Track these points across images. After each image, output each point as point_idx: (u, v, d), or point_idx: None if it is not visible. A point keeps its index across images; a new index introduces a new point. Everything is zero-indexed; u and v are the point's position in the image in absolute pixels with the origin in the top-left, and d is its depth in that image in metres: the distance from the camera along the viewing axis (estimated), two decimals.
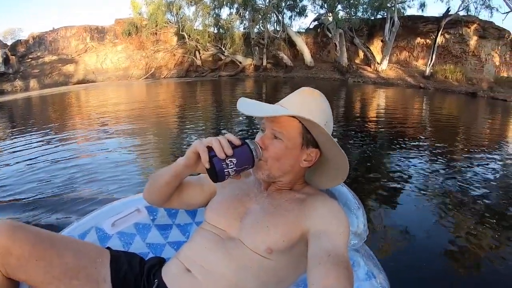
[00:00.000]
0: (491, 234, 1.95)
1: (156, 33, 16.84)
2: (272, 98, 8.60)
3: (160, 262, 0.84)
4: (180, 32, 16.22)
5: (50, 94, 12.26)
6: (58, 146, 3.92)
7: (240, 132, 4.62)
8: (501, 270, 1.62)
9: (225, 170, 0.66)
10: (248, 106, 0.76)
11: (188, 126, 5.24)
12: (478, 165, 3.30)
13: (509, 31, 13.43)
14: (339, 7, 14.55)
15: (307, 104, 0.75)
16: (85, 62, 17.60)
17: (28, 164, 3.18)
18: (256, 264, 0.71)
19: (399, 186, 2.67)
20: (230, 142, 0.68)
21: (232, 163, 0.66)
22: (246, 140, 0.70)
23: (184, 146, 3.83)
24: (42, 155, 3.47)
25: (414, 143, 4.12)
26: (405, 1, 14.40)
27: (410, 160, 3.38)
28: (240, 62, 16.34)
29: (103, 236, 0.95)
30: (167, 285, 0.74)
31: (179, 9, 16.39)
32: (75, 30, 17.72)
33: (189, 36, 15.95)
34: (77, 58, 17.61)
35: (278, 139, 0.74)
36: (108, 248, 0.84)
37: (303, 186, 0.84)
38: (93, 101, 9.57)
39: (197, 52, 16.75)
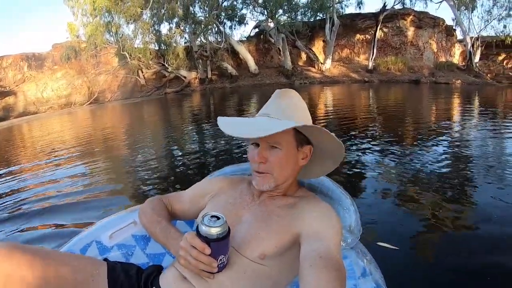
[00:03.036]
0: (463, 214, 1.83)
1: (96, 56, 16.14)
2: (221, 110, 8.50)
3: (157, 270, 0.82)
4: (121, 52, 15.46)
5: None
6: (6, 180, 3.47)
7: (192, 146, 4.24)
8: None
9: (223, 266, 0.67)
10: (240, 128, 0.77)
11: (138, 146, 4.67)
12: (430, 145, 3.29)
13: (443, 18, 13.89)
14: (280, 11, 14.41)
15: (292, 107, 0.77)
16: (24, 93, 16.64)
17: None
18: (250, 270, 0.70)
19: (356, 179, 2.54)
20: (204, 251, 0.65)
21: (223, 259, 0.66)
22: (207, 234, 0.63)
23: (138, 164, 3.49)
24: None
25: (366, 134, 3.99)
26: (343, 1, 14.45)
27: (364, 150, 3.23)
28: (185, 77, 15.71)
29: (103, 249, 0.93)
30: None
31: (118, 28, 15.76)
32: (11, 59, 16.88)
33: (131, 55, 15.25)
34: (15, 89, 16.66)
35: (275, 148, 0.75)
36: (106, 259, 0.82)
37: (295, 190, 0.83)
38: (36, 133, 8.56)
39: (140, 71, 16.07)
